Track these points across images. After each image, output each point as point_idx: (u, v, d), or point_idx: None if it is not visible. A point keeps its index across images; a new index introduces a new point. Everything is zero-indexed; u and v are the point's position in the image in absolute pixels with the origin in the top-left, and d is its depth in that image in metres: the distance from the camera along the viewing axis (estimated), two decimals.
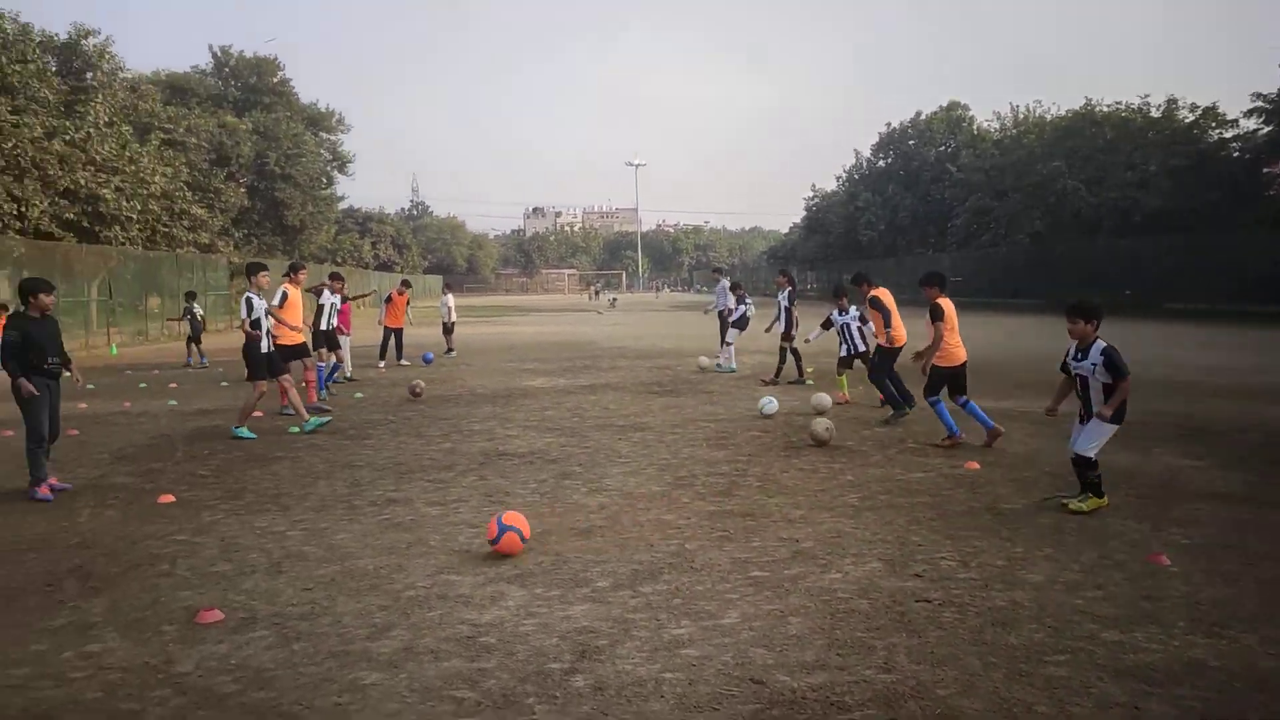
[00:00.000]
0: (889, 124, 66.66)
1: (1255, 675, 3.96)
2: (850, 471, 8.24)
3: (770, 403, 11.75)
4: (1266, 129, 37.72)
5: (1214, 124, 42.08)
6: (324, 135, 60.16)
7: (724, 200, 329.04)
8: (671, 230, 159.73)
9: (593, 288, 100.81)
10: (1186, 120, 43.06)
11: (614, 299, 75.61)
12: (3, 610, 4.95)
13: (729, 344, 17.47)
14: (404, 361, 19.46)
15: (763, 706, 3.72)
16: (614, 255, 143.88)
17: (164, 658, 4.28)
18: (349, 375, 16.26)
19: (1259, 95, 37.08)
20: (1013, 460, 8.60)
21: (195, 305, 20.91)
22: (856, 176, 69.87)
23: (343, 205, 69.78)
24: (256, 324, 10.66)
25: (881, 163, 67.35)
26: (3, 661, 4.25)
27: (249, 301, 10.72)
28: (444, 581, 5.33)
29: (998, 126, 59.58)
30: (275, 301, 11.92)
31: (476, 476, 8.27)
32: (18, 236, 24.61)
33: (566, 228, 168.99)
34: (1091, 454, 6.56)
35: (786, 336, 15.24)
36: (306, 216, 53.70)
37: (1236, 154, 40.72)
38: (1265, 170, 39.43)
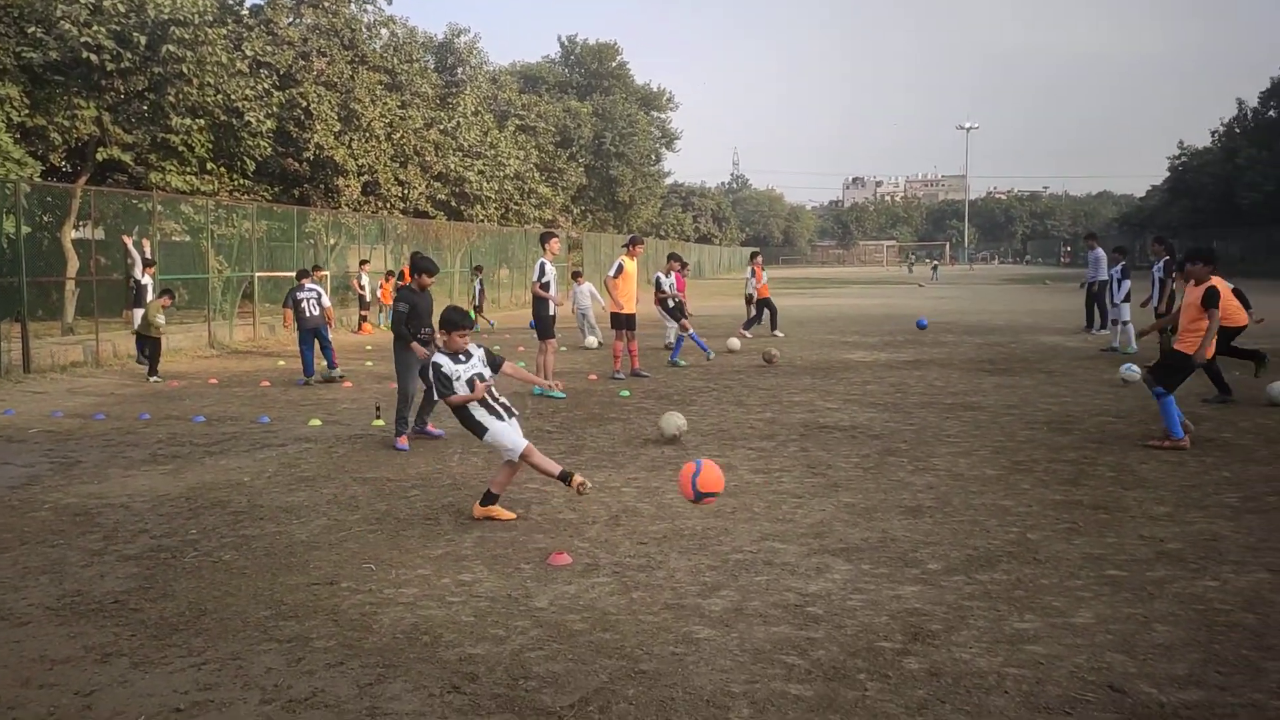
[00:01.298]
0: None
1: None
2: (1227, 467, 7.20)
3: (1130, 370, 11.02)
4: None
5: None
6: (655, 114, 63.03)
7: (1066, 163, 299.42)
8: (1003, 197, 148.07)
9: (910, 259, 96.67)
10: None
11: (935, 265, 73.02)
12: (396, 537, 5.78)
13: (1114, 321, 15.57)
14: (747, 334, 19.37)
15: (1123, 717, 3.36)
16: (937, 226, 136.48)
17: (523, 592, 4.76)
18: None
19: None
20: None
21: (479, 278, 24.06)
22: (1237, 130, 60.08)
23: (668, 180, 72.76)
24: (546, 286, 11.44)
25: (1272, 112, 57.40)
26: (396, 582, 4.96)
27: (541, 266, 11.53)
28: (769, 548, 5.41)
29: None
30: (611, 273, 12.71)
31: (798, 448, 8.29)
32: (401, 215, 28.43)
33: (887, 198, 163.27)
34: None
35: (1162, 312, 13.43)
36: (636, 192, 56.70)
37: None
38: None
